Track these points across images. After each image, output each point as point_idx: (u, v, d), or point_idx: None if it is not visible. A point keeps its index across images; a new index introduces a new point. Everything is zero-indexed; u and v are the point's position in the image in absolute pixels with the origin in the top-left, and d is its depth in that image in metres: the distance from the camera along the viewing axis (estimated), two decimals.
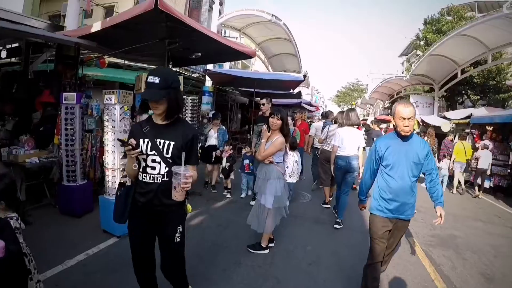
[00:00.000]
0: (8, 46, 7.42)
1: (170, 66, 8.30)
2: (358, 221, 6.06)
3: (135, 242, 2.57)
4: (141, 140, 2.40)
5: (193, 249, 4.33)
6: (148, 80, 2.27)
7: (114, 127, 4.61)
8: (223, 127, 7.45)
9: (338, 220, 5.66)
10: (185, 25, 5.22)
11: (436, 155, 10.54)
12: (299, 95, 14.38)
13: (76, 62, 6.41)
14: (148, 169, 2.41)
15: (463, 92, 21.77)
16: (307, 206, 6.83)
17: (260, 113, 6.64)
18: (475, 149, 10.07)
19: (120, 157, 4.65)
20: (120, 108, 4.62)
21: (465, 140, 10.29)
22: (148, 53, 6.90)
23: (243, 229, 4.95)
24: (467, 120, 13.49)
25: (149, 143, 2.38)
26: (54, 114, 6.04)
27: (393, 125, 3.53)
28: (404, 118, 3.04)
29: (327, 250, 4.68)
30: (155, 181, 2.40)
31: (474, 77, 19.93)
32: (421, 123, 16.62)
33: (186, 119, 6.83)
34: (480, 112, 14.19)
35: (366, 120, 20.06)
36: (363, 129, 9.41)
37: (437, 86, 20.42)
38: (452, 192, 9.76)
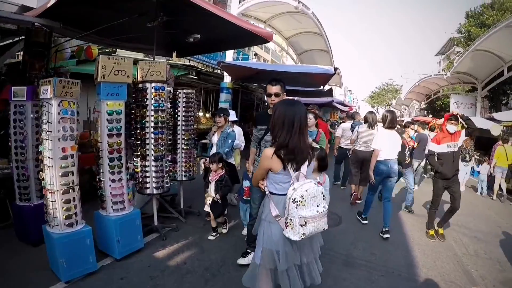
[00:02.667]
0: None
1: (174, 56, 6.70)
2: (401, 260, 4.21)
3: None
4: None
5: None
6: None
7: (50, 131, 3.01)
8: (232, 129, 5.09)
9: (385, 229, 4.91)
10: None
11: (473, 158, 9.84)
12: (330, 92, 11.83)
13: (48, 50, 4.86)
14: None
15: (508, 92, 18.93)
16: (335, 236, 4.79)
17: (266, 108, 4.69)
18: None
19: (60, 174, 3.05)
20: (58, 104, 3.02)
21: (508, 144, 8.75)
22: (137, 37, 5.27)
23: (239, 277, 3.22)
24: None
25: None
26: None
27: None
28: None
29: None
30: None
31: None
32: (465, 125, 13.96)
33: (178, 120, 4.92)
34: None
35: (402, 121, 17.41)
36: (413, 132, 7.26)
37: (480, 85, 18.56)
38: (492, 199, 8.56)
